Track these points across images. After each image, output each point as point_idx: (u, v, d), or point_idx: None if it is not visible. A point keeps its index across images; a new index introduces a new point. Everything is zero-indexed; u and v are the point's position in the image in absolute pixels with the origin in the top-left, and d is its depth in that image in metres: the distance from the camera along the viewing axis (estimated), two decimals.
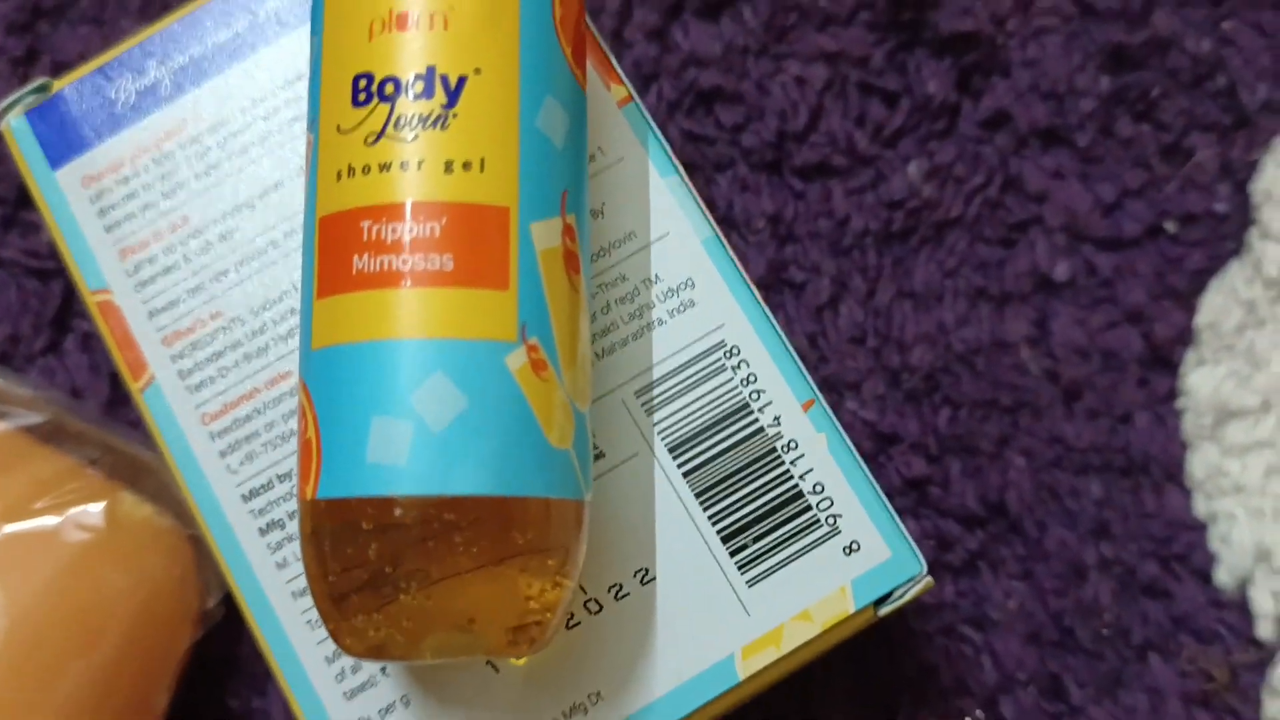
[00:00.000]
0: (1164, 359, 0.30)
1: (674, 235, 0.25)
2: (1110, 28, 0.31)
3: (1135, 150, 0.31)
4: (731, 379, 0.24)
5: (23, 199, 0.32)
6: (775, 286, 0.31)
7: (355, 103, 0.21)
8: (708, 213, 0.25)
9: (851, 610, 0.23)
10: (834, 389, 0.30)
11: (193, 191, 0.25)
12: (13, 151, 0.26)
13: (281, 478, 0.24)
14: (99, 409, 0.32)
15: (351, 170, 0.21)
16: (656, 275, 0.25)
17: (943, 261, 0.31)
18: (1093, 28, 0.31)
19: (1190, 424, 0.30)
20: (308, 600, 0.24)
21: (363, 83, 0.21)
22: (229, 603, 0.29)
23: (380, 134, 0.21)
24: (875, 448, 0.30)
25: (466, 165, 0.21)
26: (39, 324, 0.32)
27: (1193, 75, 0.31)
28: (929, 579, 0.23)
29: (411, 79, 0.21)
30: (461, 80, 0.21)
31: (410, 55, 0.21)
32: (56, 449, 0.29)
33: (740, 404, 0.24)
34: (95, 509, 0.27)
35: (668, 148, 0.25)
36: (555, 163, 0.22)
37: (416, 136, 0.21)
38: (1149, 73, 0.31)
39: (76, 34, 0.33)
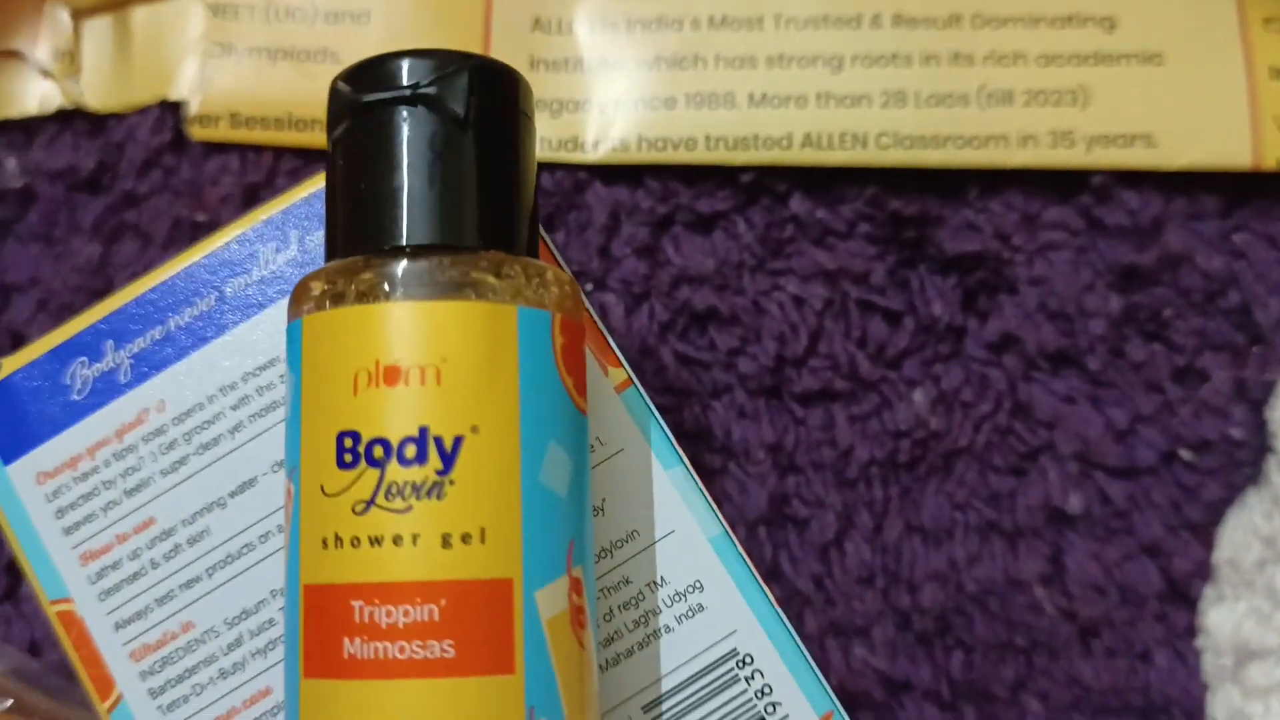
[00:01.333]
0: (1183, 594, 0.29)
1: (680, 533, 0.23)
2: (1120, 245, 0.30)
3: (1147, 373, 0.30)
4: (746, 690, 0.23)
5: None
6: (778, 522, 0.29)
7: (340, 464, 0.19)
8: (715, 508, 0.23)
9: None
10: (842, 633, 0.29)
11: (158, 489, 0.24)
12: None
13: None
14: (61, 659, 0.30)
15: (339, 541, 0.19)
16: (662, 578, 0.23)
17: (952, 494, 0.29)
18: (1102, 244, 0.30)
19: (1210, 664, 0.29)
20: None
21: (348, 442, 0.19)
22: None
23: (370, 503, 0.19)
24: (886, 695, 0.29)
25: (466, 538, 0.19)
26: None
27: (1205, 293, 0.30)
28: None
29: (402, 442, 0.19)
30: (457, 442, 0.19)
31: (400, 415, 0.19)
32: None
33: (755, 718, 0.23)
34: None
35: (670, 436, 0.24)
36: (560, 516, 0.20)
37: (410, 508, 0.19)
38: (1161, 290, 0.30)
39: (26, 252, 0.31)
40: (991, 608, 0.29)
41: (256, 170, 0.31)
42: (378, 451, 0.19)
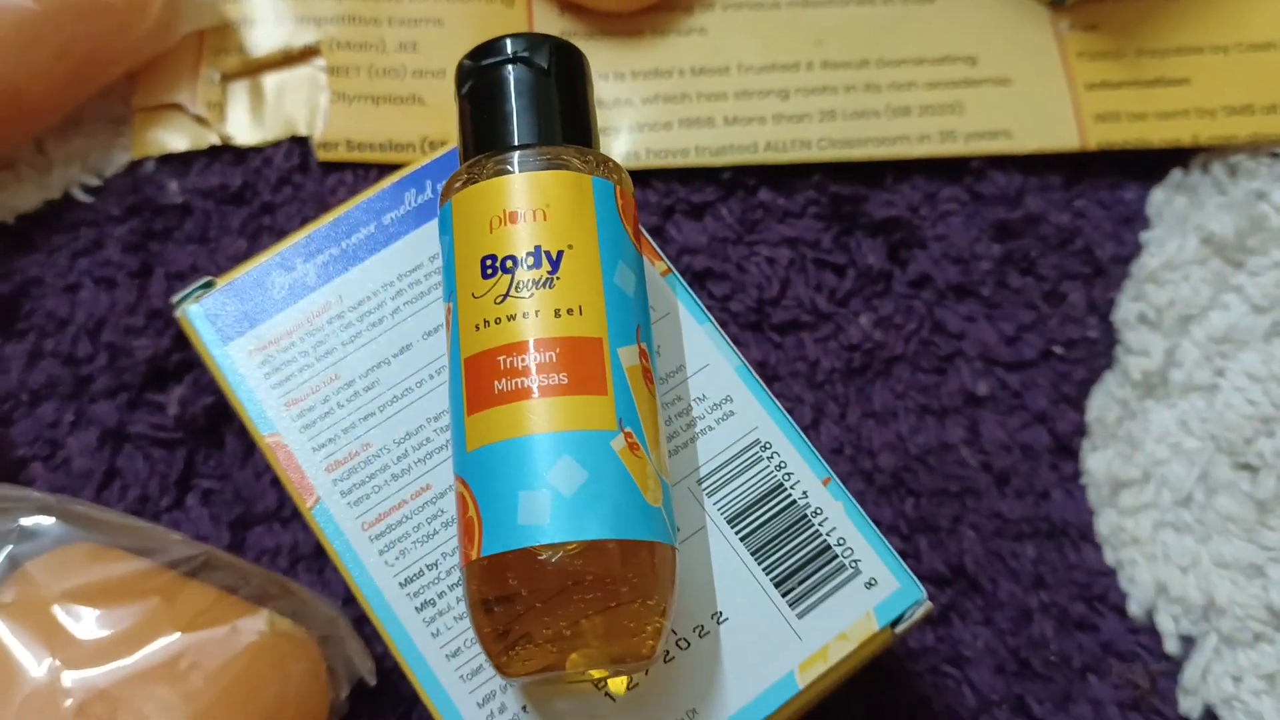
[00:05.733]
0: (1067, 448, 0.39)
1: (712, 366, 0.33)
2: (995, 209, 0.41)
3: (1024, 296, 0.41)
4: (768, 466, 0.32)
5: (146, 383, 0.39)
6: None
7: (484, 275, 0.28)
8: (735, 349, 0.33)
9: (876, 629, 0.31)
10: None
11: (341, 355, 0.33)
12: (189, 333, 0.33)
13: (430, 567, 0.31)
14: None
15: (486, 323, 0.28)
16: (703, 395, 0.33)
17: (894, 388, 0.40)
18: (983, 209, 0.42)
19: (1093, 495, 0.39)
20: (460, 660, 0.30)
21: (489, 261, 0.28)
22: (356, 692, 0.34)
23: (506, 295, 0.28)
24: None
25: (570, 311, 0.27)
26: (164, 485, 0.38)
27: (1059, 239, 0.41)
28: (929, 603, 0.31)
29: (525, 255, 0.28)
30: (560, 254, 0.28)
31: (523, 239, 0.28)
32: (203, 582, 0.35)
33: (776, 484, 0.32)
34: (258, 619, 0.33)
35: (700, 303, 0.34)
36: (629, 307, 0.29)
37: (533, 294, 0.28)
38: (1027, 240, 0.41)
39: (184, 251, 0.41)
40: (931, 465, 0.39)
41: (365, 183, 0.41)
42: (509, 264, 0.28)
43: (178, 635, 0.33)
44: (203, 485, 0.38)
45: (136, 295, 0.40)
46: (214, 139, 0.41)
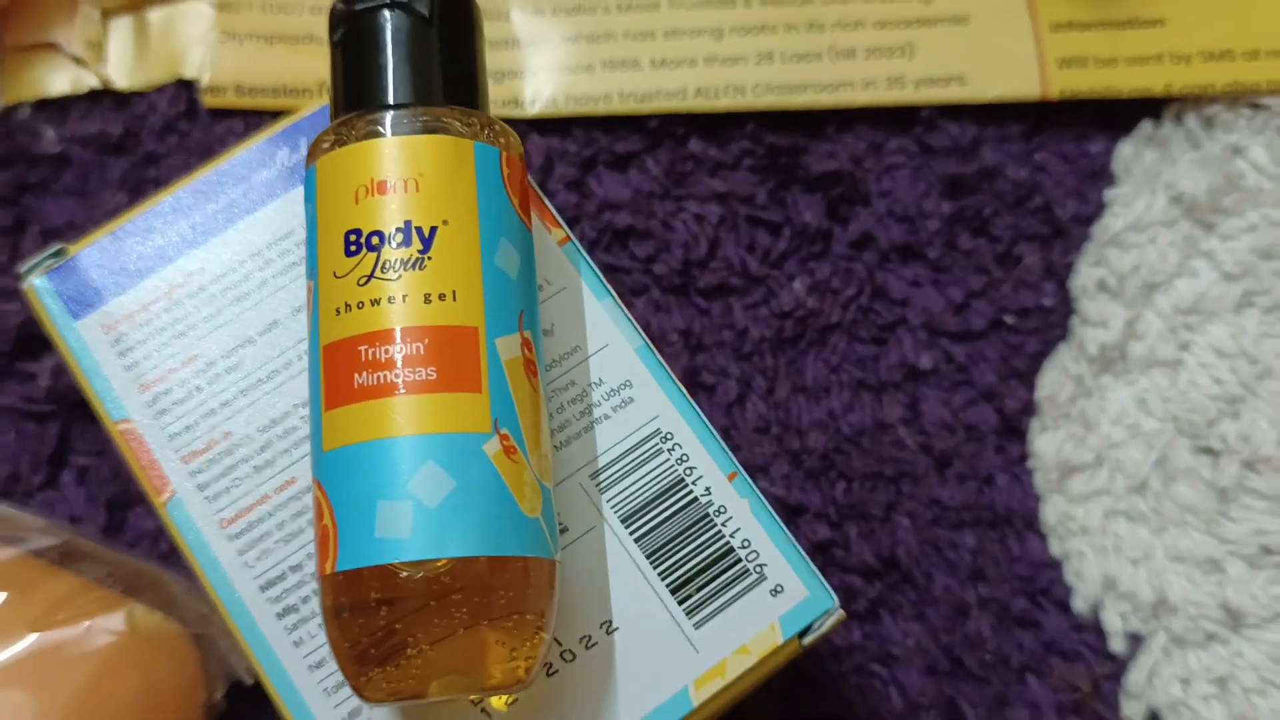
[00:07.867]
0: (1014, 428, 0.36)
1: (611, 346, 0.30)
2: (946, 162, 0.38)
3: (975, 259, 0.37)
4: (668, 459, 0.29)
5: (17, 351, 0.36)
6: (691, 390, 0.36)
7: (347, 253, 0.26)
8: (638, 326, 0.30)
9: (781, 642, 0.28)
10: (747, 471, 0.36)
11: (201, 333, 0.30)
12: (35, 307, 0.30)
13: (294, 569, 0.29)
14: (97, 535, 0.35)
15: (348, 306, 0.26)
16: (599, 379, 0.30)
17: (828, 360, 0.37)
18: (932, 162, 0.38)
19: (1040, 480, 0.36)
20: (323, 671, 0.28)
21: (353, 237, 0.26)
22: (233, 693, 0.32)
23: (370, 276, 0.26)
24: (785, 518, 0.35)
25: (442, 296, 0.25)
26: (37, 462, 0.36)
27: (1015, 197, 0.38)
28: (841, 612, 0.28)
29: (393, 231, 0.26)
30: (433, 230, 0.26)
31: (391, 213, 0.26)
32: (69, 570, 0.32)
33: (677, 479, 0.29)
34: (115, 618, 0.31)
35: (600, 276, 0.31)
36: (511, 291, 0.27)
37: (400, 276, 0.25)
38: (981, 196, 0.38)
39: (61, 205, 0.37)
40: (865, 446, 0.36)
41: (256, 130, 0.38)
42: (374, 240, 0.26)
43: (31, 636, 0.30)
44: (78, 462, 0.36)
45: (8, 255, 0.37)
46: (94, 82, 0.38)
